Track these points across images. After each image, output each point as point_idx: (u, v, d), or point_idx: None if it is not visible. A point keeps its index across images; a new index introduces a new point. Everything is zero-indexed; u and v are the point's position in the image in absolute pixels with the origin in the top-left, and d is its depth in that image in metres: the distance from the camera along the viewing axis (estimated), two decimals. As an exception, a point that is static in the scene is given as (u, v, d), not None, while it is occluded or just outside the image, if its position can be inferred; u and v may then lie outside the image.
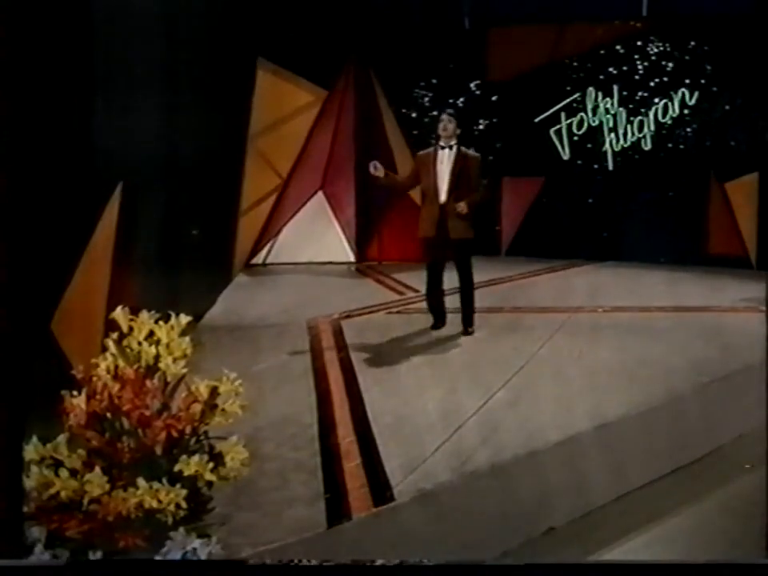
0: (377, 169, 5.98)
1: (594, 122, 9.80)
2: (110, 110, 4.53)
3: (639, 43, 9.61)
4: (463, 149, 6.11)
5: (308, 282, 8.52)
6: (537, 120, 9.90)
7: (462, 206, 5.91)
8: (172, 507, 2.81)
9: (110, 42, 4.49)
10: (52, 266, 3.78)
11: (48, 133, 3.66)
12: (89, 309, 4.15)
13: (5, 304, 3.25)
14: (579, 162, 9.92)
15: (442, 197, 6.02)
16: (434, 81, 9.91)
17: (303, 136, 9.34)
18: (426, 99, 9.89)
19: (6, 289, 3.28)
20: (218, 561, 2.95)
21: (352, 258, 9.52)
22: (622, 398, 4.70)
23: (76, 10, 4.09)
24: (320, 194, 9.43)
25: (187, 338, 3.10)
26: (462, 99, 9.85)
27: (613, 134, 9.75)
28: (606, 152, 9.81)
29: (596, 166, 9.87)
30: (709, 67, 9.35)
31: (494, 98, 10.00)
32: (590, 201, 9.84)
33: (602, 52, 9.74)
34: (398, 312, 7.09)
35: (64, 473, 2.93)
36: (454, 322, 6.18)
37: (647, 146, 9.66)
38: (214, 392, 3.05)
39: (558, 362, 5.41)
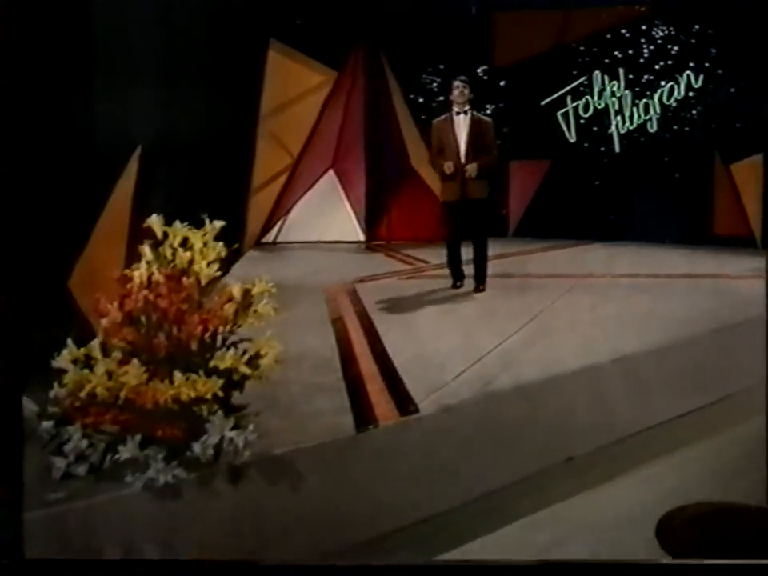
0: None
1: (599, 104, 9.86)
2: (121, 89, 4.64)
3: (644, 27, 9.68)
4: (476, 113, 6.35)
5: (320, 256, 8.59)
6: (543, 103, 10.00)
7: (473, 167, 6.15)
8: (209, 396, 2.89)
9: (123, 18, 4.61)
10: (69, 227, 3.87)
11: (60, 108, 3.77)
12: (106, 269, 4.23)
13: (23, 265, 3.32)
14: (586, 144, 9.98)
15: (463, 160, 6.28)
16: (441, 66, 10.00)
17: (314, 116, 9.40)
18: (434, 84, 9.98)
19: (24, 249, 3.36)
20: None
21: (362, 237, 9.57)
22: (634, 340, 4.98)
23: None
24: (330, 172, 9.46)
25: (221, 243, 3.19)
26: (469, 85, 9.96)
27: (619, 117, 9.81)
28: (612, 134, 9.87)
29: (602, 149, 9.93)
30: (714, 50, 9.44)
31: (501, 83, 10.09)
32: (597, 183, 9.92)
33: (607, 36, 9.78)
34: (409, 278, 7.20)
35: (100, 368, 3.01)
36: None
37: (653, 128, 9.70)
38: (247, 293, 3.15)
39: (572, 312, 5.59)
